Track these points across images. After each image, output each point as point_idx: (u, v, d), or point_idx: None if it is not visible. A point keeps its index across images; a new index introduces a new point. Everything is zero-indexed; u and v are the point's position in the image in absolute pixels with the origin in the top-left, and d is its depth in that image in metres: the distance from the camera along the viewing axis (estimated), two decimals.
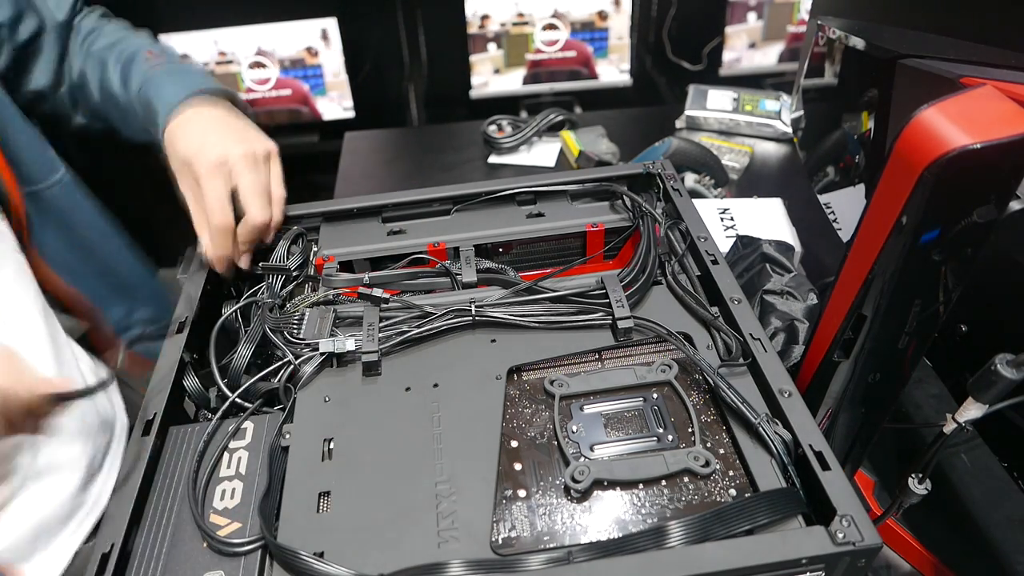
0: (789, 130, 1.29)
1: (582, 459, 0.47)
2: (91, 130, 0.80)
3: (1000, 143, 0.37)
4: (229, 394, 0.52)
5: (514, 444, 0.49)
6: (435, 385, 0.53)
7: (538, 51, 1.81)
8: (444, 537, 0.43)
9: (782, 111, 1.31)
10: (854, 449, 0.57)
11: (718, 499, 0.45)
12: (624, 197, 0.68)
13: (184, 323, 0.57)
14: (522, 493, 0.46)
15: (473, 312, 0.56)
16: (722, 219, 0.97)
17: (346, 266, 0.66)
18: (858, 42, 0.65)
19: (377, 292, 0.58)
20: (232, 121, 0.66)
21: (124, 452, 0.52)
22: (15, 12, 0.71)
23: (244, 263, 0.63)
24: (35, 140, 0.73)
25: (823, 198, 0.81)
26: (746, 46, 1.85)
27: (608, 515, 0.44)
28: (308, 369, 0.53)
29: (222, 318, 0.58)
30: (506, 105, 1.77)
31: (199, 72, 0.73)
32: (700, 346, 0.54)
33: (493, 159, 1.29)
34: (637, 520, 0.44)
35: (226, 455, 0.49)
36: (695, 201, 0.67)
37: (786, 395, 0.47)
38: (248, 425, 0.51)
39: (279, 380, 0.53)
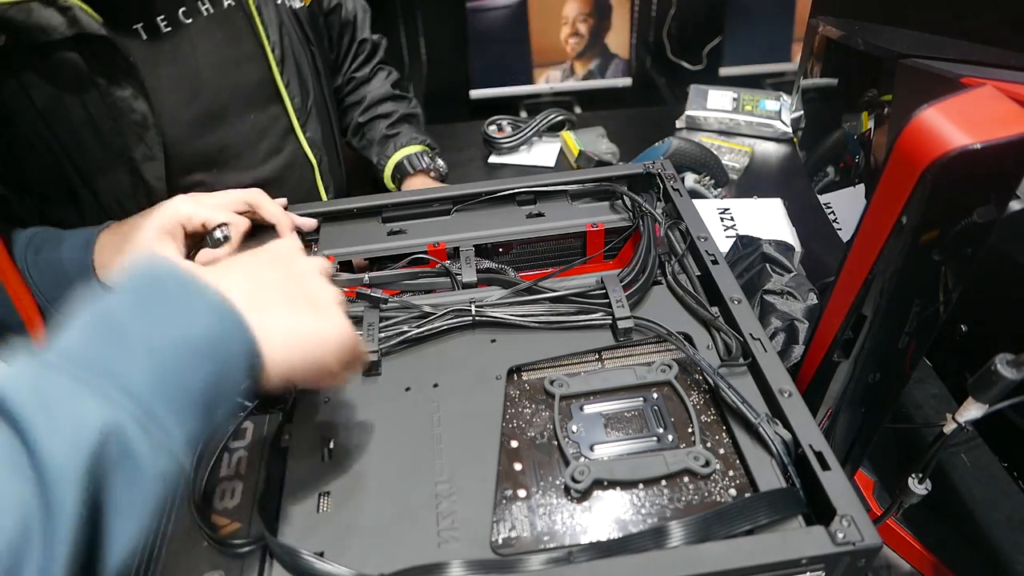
0: (789, 130, 1.29)
1: (582, 459, 0.47)
2: None
3: (1000, 143, 0.37)
4: None
5: (514, 444, 0.49)
6: (435, 385, 0.53)
7: None
8: (444, 537, 0.43)
9: (782, 111, 1.31)
10: (854, 449, 0.57)
11: (718, 499, 0.45)
12: (624, 197, 0.68)
13: None
14: (522, 493, 0.46)
15: (473, 312, 0.56)
16: (722, 219, 0.97)
17: (346, 266, 0.66)
18: (858, 42, 0.65)
19: (377, 292, 0.58)
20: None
21: None
22: None
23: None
24: None
25: (823, 198, 0.81)
26: None
27: (608, 515, 0.44)
28: None
29: None
30: (506, 105, 1.76)
31: None
32: (700, 346, 0.54)
33: (493, 159, 1.29)
34: (637, 520, 0.44)
35: (226, 455, 0.49)
36: (695, 201, 0.67)
37: (786, 395, 0.47)
38: (248, 425, 0.51)
39: None
